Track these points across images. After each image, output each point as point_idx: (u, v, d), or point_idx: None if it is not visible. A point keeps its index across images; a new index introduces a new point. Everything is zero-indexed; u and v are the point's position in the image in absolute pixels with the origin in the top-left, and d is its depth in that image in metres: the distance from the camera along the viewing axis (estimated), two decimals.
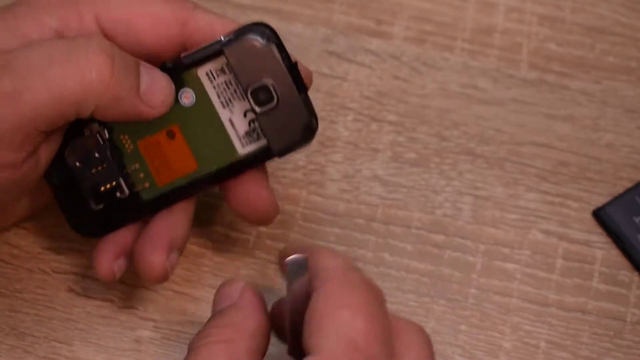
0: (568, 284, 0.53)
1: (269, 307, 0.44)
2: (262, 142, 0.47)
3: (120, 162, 0.47)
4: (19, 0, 0.45)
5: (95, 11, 0.45)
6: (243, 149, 0.47)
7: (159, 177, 0.47)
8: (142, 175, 0.47)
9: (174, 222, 0.47)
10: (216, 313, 0.43)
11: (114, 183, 0.47)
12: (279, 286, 0.52)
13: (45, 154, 0.45)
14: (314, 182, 0.54)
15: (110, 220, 0.48)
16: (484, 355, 0.51)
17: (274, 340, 0.48)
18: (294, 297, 0.41)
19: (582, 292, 0.52)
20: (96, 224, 0.48)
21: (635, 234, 0.53)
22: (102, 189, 0.47)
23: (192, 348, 0.40)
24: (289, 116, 0.46)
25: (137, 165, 0.47)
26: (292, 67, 0.46)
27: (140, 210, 0.48)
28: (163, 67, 0.46)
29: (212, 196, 0.53)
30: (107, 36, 0.45)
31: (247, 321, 0.41)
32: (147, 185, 0.47)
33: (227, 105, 0.46)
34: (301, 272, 0.41)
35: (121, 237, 0.48)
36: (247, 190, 0.47)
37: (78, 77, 0.42)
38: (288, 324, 0.42)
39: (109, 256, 0.47)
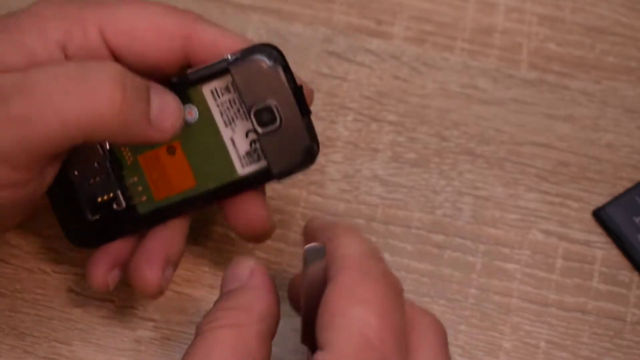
0: (568, 284, 0.53)
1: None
2: (262, 163, 0.46)
3: (119, 174, 0.47)
4: (23, 11, 0.45)
5: (99, 23, 0.45)
6: (243, 169, 0.47)
7: (157, 192, 0.47)
8: (140, 188, 0.47)
9: (169, 237, 0.47)
10: (225, 294, 0.42)
11: (111, 195, 0.47)
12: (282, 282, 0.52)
13: (51, 171, 0.45)
14: (314, 182, 0.54)
15: (105, 231, 0.47)
16: (484, 355, 0.51)
17: (274, 340, 0.48)
18: (309, 285, 0.41)
19: (582, 292, 0.53)
20: (91, 234, 0.47)
21: (635, 234, 0.53)
22: (99, 199, 0.47)
23: (200, 332, 0.40)
24: (291, 139, 0.45)
25: (135, 179, 0.47)
26: (297, 90, 0.45)
27: (136, 223, 0.47)
28: (168, 83, 0.46)
29: None
30: (110, 48, 0.45)
31: (256, 304, 0.41)
32: (144, 198, 0.47)
33: (230, 124, 0.46)
34: (318, 259, 0.41)
35: (116, 249, 0.48)
36: (245, 209, 0.47)
37: (90, 108, 0.41)
38: (302, 312, 0.42)
39: (103, 268, 0.47)
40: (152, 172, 0.47)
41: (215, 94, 0.46)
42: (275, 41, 0.57)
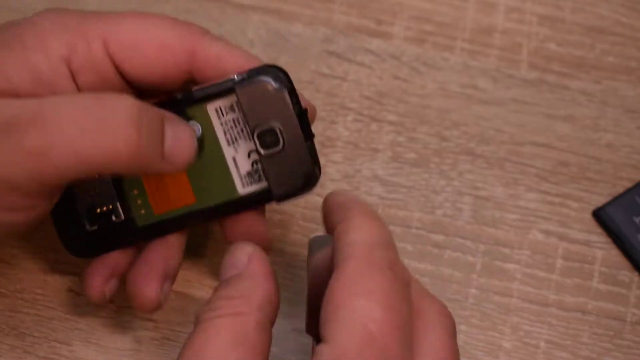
0: (568, 284, 0.53)
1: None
2: (263, 184, 0.46)
3: (119, 186, 0.47)
4: (25, 22, 0.44)
5: (103, 36, 0.44)
6: (243, 188, 0.47)
7: (156, 206, 0.47)
8: (139, 201, 0.47)
9: (168, 252, 0.47)
10: (223, 282, 0.42)
11: (110, 206, 0.47)
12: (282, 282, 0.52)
13: (58, 194, 0.45)
14: None
15: (103, 242, 0.47)
16: (484, 355, 0.51)
17: (274, 340, 0.48)
18: (313, 273, 0.40)
19: (582, 292, 0.53)
20: (89, 244, 0.47)
21: (635, 234, 0.53)
22: (98, 210, 0.47)
23: (199, 321, 0.40)
24: (293, 162, 0.45)
25: (135, 192, 0.47)
26: (302, 114, 0.45)
27: (134, 235, 0.47)
28: (173, 99, 0.46)
29: None
30: (114, 61, 0.45)
31: (255, 292, 0.41)
32: (143, 212, 0.47)
33: (232, 143, 0.46)
34: (323, 246, 0.40)
35: (113, 260, 0.48)
36: (245, 226, 0.47)
37: (105, 147, 0.41)
38: (307, 301, 0.41)
39: (100, 278, 0.47)
40: (152, 186, 0.47)
41: (220, 112, 0.46)
42: (275, 41, 0.57)
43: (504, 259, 0.53)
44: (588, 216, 0.54)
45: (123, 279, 0.48)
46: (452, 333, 0.40)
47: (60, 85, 0.43)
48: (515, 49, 0.57)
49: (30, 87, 0.43)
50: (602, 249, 0.53)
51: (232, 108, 0.46)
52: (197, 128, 0.46)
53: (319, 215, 0.53)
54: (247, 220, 0.47)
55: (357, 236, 0.39)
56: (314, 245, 0.41)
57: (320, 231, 0.53)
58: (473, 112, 0.56)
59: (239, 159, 0.46)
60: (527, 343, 0.52)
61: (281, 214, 0.53)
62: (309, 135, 0.45)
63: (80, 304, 0.51)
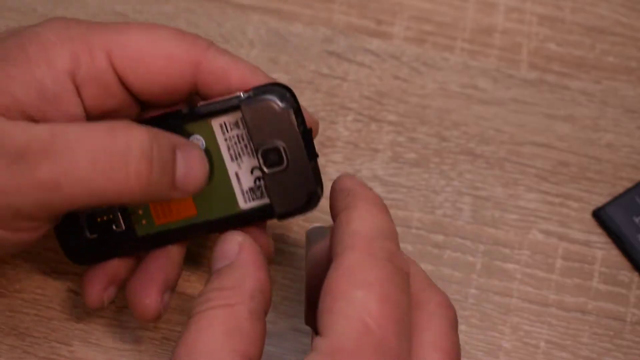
0: (568, 284, 0.53)
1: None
2: (265, 200, 0.46)
3: None
4: (29, 34, 0.44)
5: (107, 49, 0.44)
6: (245, 204, 0.46)
7: (158, 217, 0.47)
8: (140, 212, 0.47)
9: (168, 262, 0.47)
10: (214, 273, 0.42)
11: (111, 215, 0.47)
12: (282, 282, 0.52)
13: (63, 215, 0.45)
14: None
15: (102, 250, 0.47)
16: (483, 355, 0.51)
17: (274, 340, 0.49)
18: (312, 264, 0.40)
19: (582, 292, 0.53)
20: (88, 252, 0.47)
21: (635, 234, 0.53)
22: (99, 219, 0.47)
23: (192, 315, 0.40)
24: (296, 182, 0.45)
25: None
26: (306, 134, 0.45)
27: (134, 245, 0.47)
28: (178, 113, 0.46)
29: None
30: (118, 74, 0.45)
31: (246, 281, 0.41)
32: (144, 222, 0.47)
33: (236, 159, 0.46)
34: (321, 238, 0.40)
35: (112, 268, 0.48)
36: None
37: (117, 181, 0.42)
38: (305, 293, 0.41)
39: (98, 285, 0.47)
40: None
41: (224, 128, 0.46)
42: (275, 41, 0.57)
43: (504, 259, 0.53)
44: (588, 216, 0.54)
45: (122, 285, 0.48)
46: (454, 324, 0.40)
47: (65, 100, 0.43)
48: (515, 49, 0.57)
49: (36, 103, 0.43)
50: (602, 249, 0.53)
51: (236, 124, 0.46)
52: (201, 143, 0.46)
53: (319, 215, 0.53)
54: (249, 233, 0.47)
55: (358, 226, 0.39)
56: (311, 236, 0.41)
57: None
58: (473, 112, 0.56)
59: (241, 175, 0.46)
60: (527, 343, 0.52)
61: None
62: (313, 156, 0.45)
63: (80, 304, 0.51)
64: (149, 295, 0.46)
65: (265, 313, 0.41)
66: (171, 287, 0.48)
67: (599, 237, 0.54)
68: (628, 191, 0.54)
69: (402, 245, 0.53)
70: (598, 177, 0.55)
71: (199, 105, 0.45)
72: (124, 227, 0.47)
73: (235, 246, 0.42)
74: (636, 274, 0.53)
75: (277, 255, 0.53)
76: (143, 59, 0.45)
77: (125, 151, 0.42)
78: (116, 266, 0.48)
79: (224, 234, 0.43)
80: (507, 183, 0.55)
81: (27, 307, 0.51)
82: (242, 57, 0.56)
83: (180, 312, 0.51)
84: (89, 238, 0.47)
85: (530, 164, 0.55)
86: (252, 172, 0.46)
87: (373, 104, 0.56)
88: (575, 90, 0.57)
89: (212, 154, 0.46)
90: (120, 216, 0.47)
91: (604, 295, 0.52)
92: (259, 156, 0.45)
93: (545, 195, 0.54)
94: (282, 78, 0.56)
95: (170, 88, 0.45)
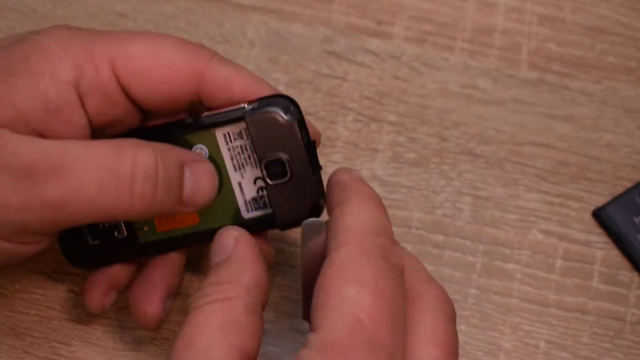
0: (568, 284, 0.53)
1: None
2: (267, 211, 0.46)
3: None
4: (32, 43, 0.44)
5: (111, 59, 0.44)
6: (247, 213, 0.47)
7: (160, 224, 0.47)
8: None
9: (169, 270, 0.48)
10: (212, 268, 0.42)
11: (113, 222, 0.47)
12: (282, 282, 0.52)
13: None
14: None
15: (104, 256, 0.48)
16: (483, 355, 0.51)
17: (274, 340, 0.49)
18: (308, 260, 0.40)
19: (582, 292, 0.52)
20: (90, 258, 0.48)
21: (635, 234, 0.53)
22: (101, 225, 0.47)
23: (190, 309, 0.40)
24: (299, 194, 0.45)
25: None
26: (310, 146, 0.45)
27: (136, 252, 0.47)
28: (182, 122, 0.46)
29: None
30: (122, 84, 0.45)
31: (242, 275, 0.41)
32: (146, 229, 0.47)
33: (239, 169, 0.46)
34: (316, 233, 0.40)
35: (114, 273, 0.48)
36: None
37: (122, 202, 0.42)
38: (301, 288, 0.42)
39: (100, 291, 0.48)
40: None
41: (228, 138, 0.46)
42: (275, 41, 0.57)
43: (504, 259, 0.53)
44: (588, 216, 0.54)
45: (122, 290, 0.49)
46: (451, 318, 0.40)
47: (69, 111, 0.44)
48: (515, 49, 0.57)
49: (40, 115, 0.43)
50: (602, 249, 0.53)
51: (240, 135, 0.46)
52: (205, 152, 0.46)
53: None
54: None
55: (352, 221, 0.40)
56: (306, 230, 0.41)
57: None
58: (473, 112, 0.56)
59: (244, 185, 0.46)
60: (527, 343, 0.52)
61: None
62: (316, 168, 0.45)
63: (80, 304, 0.51)
64: (151, 303, 0.47)
65: (263, 307, 0.41)
66: (173, 294, 0.48)
67: (599, 237, 0.54)
68: (628, 191, 0.54)
69: (401, 245, 0.53)
70: (598, 177, 0.55)
71: (203, 115, 0.46)
72: (125, 234, 0.47)
73: (232, 241, 0.43)
74: (636, 274, 0.53)
75: (277, 255, 0.53)
76: (146, 69, 0.45)
77: (130, 172, 0.42)
78: (117, 272, 0.48)
79: (221, 229, 0.43)
80: (507, 183, 0.55)
81: (27, 307, 0.51)
82: (242, 56, 0.56)
83: (180, 312, 0.51)
84: (91, 244, 0.47)
85: (530, 164, 0.55)
86: (255, 182, 0.46)
87: (373, 104, 0.56)
88: (575, 90, 0.56)
89: (215, 164, 0.46)
90: (122, 223, 0.47)
91: (604, 295, 0.52)
92: (263, 167, 0.45)
93: (545, 195, 0.54)
94: (282, 78, 0.56)
95: (173, 98, 0.45)
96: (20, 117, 0.42)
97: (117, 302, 0.51)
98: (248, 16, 0.57)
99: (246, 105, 0.45)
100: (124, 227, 0.47)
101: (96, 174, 0.42)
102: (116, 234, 0.47)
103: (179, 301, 0.52)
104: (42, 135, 0.43)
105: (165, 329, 0.51)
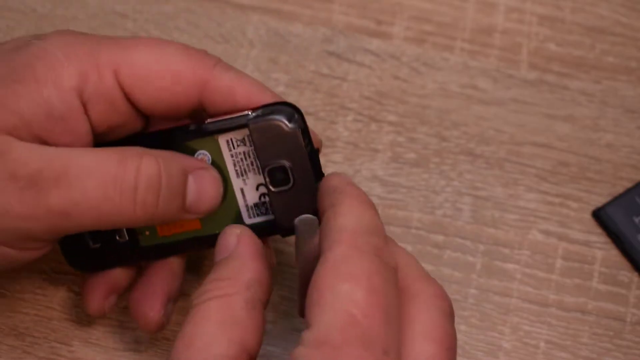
0: (568, 284, 0.53)
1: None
2: (269, 217, 0.46)
3: None
4: (36, 49, 0.44)
5: (115, 66, 0.44)
6: (249, 219, 0.47)
7: (161, 229, 0.47)
8: None
9: (170, 274, 0.48)
10: (214, 265, 0.43)
11: None
12: (282, 282, 0.52)
13: None
14: None
15: (105, 260, 0.48)
16: (483, 355, 0.51)
17: (274, 340, 0.49)
18: (304, 259, 0.41)
19: (582, 292, 0.52)
20: (91, 261, 0.48)
21: (635, 234, 0.53)
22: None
23: (191, 306, 0.41)
24: (301, 201, 0.45)
25: None
26: (313, 154, 0.45)
27: (136, 256, 0.47)
28: (185, 128, 0.46)
29: None
30: (125, 91, 0.45)
31: (242, 272, 0.41)
32: (147, 233, 0.47)
33: (241, 175, 0.46)
34: (311, 232, 0.40)
35: (114, 277, 0.48)
36: None
37: (125, 211, 0.43)
38: (298, 286, 0.42)
39: (100, 294, 0.48)
40: None
41: (231, 145, 0.46)
42: (275, 41, 0.57)
43: (504, 259, 0.53)
44: (588, 216, 0.54)
45: (122, 293, 0.49)
46: (448, 314, 0.40)
47: (72, 118, 0.44)
48: (515, 49, 0.57)
49: (43, 122, 0.43)
50: (602, 249, 0.53)
51: (243, 141, 0.46)
52: (207, 158, 0.46)
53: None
54: None
55: (344, 222, 0.40)
56: (300, 226, 0.41)
57: None
58: (473, 112, 0.56)
59: (246, 191, 0.46)
60: (527, 343, 0.52)
61: None
62: (319, 176, 0.45)
63: (80, 304, 0.51)
64: (152, 308, 0.47)
65: (264, 303, 0.41)
66: (173, 298, 0.48)
67: (598, 237, 0.54)
68: (628, 191, 0.54)
69: (401, 245, 0.53)
70: (598, 177, 0.55)
71: (206, 122, 0.46)
72: (127, 238, 0.47)
73: (234, 239, 0.43)
74: (636, 274, 0.53)
75: (277, 256, 0.53)
76: (150, 76, 0.45)
77: (133, 182, 0.42)
78: (117, 275, 0.48)
79: (225, 228, 0.44)
80: (507, 183, 0.55)
81: (27, 307, 0.51)
82: (242, 57, 0.56)
83: (180, 312, 0.51)
84: (92, 247, 0.47)
85: (530, 164, 0.55)
86: (257, 188, 0.46)
87: (373, 104, 0.56)
88: (575, 90, 0.56)
89: (217, 170, 0.46)
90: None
91: (603, 295, 0.52)
92: (265, 174, 0.45)
93: (545, 195, 0.54)
94: (282, 78, 0.56)
95: (176, 105, 0.45)
96: (24, 124, 0.42)
97: (117, 302, 0.51)
98: (248, 16, 0.58)
99: (250, 113, 0.45)
100: (125, 231, 0.47)
101: (100, 182, 0.42)
102: (117, 237, 0.47)
103: (179, 301, 0.52)
104: (44, 142, 0.43)
105: (166, 329, 0.51)
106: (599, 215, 0.54)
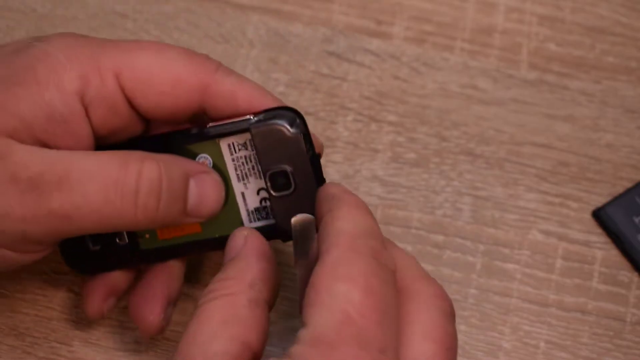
0: (568, 284, 0.53)
1: None
2: (270, 221, 0.46)
3: None
4: (38, 52, 0.44)
5: (116, 69, 0.44)
6: (250, 223, 0.47)
7: (161, 232, 0.47)
8: None
9: (170, 277, 0.48)
10: (223, 266, 0.43)
11: None
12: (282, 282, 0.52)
13: None
14: None
15: (105, 262, 0.48)
16: (483, 355, 0.51)
17: (274, 340, 0.48)
18: (304, 261, 0.41)
19: (582, 292, 0.52)
20: (90, 263, 0.48)
21: (635, 234, 0.53)
22: None
23: (197, 306, 0.41)
24: (302, 206, 0.45)
25: None
26: (315, 159, 0.45)
27: (136, 259, 0.48)
28: (187, 132, 0.46)
29: None
30: (126, 95, 0.45)
31: (247, 271, 0.42)
32: (147, 236, 0.47)
33: (243, 179, 0.46)
34: (308, 233, 0.40)
35: (113, 279, 0.48)
36: None
37: (126, 215, 0.43)
38: (298, 286, 0.42)
39: (99, 297, 0.48)
40: None
41: (232, 149, 0.46)
42: (275, 41, 0.57)
43: (504, 259, 0.53)
44: (588, 216, 0.54)
45: (121, 296, 0.49)
46: (448, 314, 0.40)
47: (73, 121, 0.44)
48: (515, 49, 0.57)
49: (44, 125, 0.43)
50: (602, 249, 0.53)
51: (245, 145, 0.46)
52: (209, 161, 0.46)
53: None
54: None
55: (342, 225, 0.40)
56: (297, 226, 0.41)
57: None
58: (473, 112, 0.56)
59: (247, 195, 0.46)
60: (527, 343, 0.52)
61: None
62: (320, 181, 0.45)
63: (80, 304, 0.51)
64: (152, 312, 0.47)
65: (269, 303, 0.42)
66: (173, 302, 0.48)
67: (598, 237, 0.54)
68: (628, 191, 0.54)
69: (402, 245, 0.53)
70: (598, 177, 0.55)
71: (208, 126, 0.46)
72: (127, 241, 0.47)
73: (242, 240, 0.43)
74: (636, 274, 0.53)
75: (277, 256, 0.53)
76: (152, 81, 0.45)
77: (135, 185, 0.43)
78: (117, 278, 0.48)
79: (234, 230, 0.44)
80: (507, 183, 0.55)
81: (27, 307, 0.51)
82: (242, 57, 0.56)
83: (180, 312, 0.51)
84: (92, 249, 0.47)
85: (530, 164, 0.55)
86: (258, 192, 0.46)
87: (373, 104, 0.56)
88: (575, 90, 0.56)
89: (218, 173, 0.46)
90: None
91: (603, 295, 0.52)
92: (267, 179, 0.45)
93: (545, 195, 0.54)
94: (282, 78, 0.56)
95: (177, 109, 0.46)
96: (25, 127, 0.42)
97: (117, 303, 0.51)
98: (248, 16, 0.58)
99: (252, 117, 0.45)
100: (125, 234, 0.47)
101: (102, 186, 0.42)
102: (117, 240, 0.47)
103: (180, 301, 0.52)
104: (45, 145, 0.43)
105: (166, 329, 0.51)
106: (599, 215, 0.54)
